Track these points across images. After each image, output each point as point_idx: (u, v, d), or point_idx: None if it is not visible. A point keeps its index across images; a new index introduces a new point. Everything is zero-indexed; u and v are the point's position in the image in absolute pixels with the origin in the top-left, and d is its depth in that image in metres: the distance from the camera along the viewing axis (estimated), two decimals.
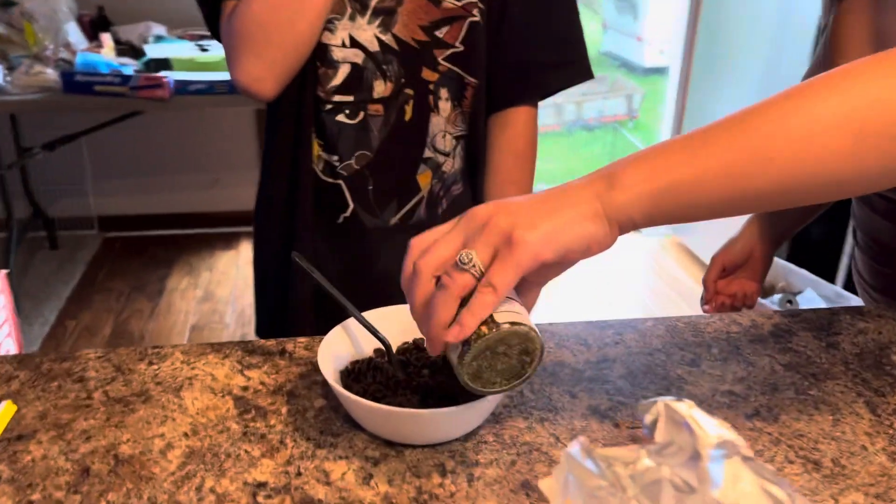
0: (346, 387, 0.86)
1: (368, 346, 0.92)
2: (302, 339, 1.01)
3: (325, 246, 1.26)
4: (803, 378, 0.95)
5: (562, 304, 3.40)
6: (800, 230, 1.69)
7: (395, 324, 0.93)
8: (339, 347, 0.89)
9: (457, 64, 1.21)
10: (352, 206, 1.24)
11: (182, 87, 3.02)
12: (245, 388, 0.91)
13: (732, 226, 3.51)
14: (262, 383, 0.92)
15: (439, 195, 1.28)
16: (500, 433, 0.84)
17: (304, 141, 1.21)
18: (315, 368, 0.95)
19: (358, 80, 1.18)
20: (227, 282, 3.79)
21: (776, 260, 2.93)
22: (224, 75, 3.00)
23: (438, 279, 0.69)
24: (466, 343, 0.69)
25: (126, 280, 3.74)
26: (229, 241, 4.24)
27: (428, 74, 1.20)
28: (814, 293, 2.70)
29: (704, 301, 1.63)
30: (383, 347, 0.90)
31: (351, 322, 0.91)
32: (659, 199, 0.66)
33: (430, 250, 0.70)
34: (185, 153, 4.18)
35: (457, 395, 0.83)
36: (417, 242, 0.72)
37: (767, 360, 0.99)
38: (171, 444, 0.82)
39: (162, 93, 2.95)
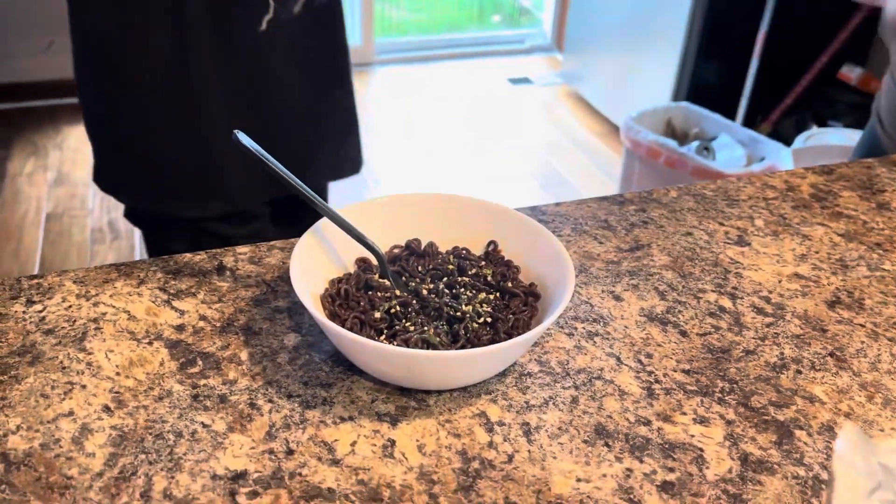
0: (332, 317, 0.62)
1: (346, 256, 0.67)
2: (243, 250, 0.74)
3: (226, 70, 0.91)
4: (869, 250, 0.79)
5: (458, 164, 3.19)
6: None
7: (374, 223, 0.68)
8: (308, 262, 0.64)
9: None
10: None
11: None
12: (180, 328, 0.65)
13: (624, 77, 3.34)
14: (204, 317, 0.66)
15: None
16: (544, 359, 0.64)
17: None
18: (271, 289, 0.69)
19: None
20: (83, 160, 3.31)
21: (688, 106, 2.80)
22: None
23: None
24: None
25: None
26: (75, 114, 3.69)
27: None
28: (729, 138, 2.61)
29: None
30: (372, 256, 0.66)
31: (321, 227, 0.65)
32: None
33: None
34: (12, 12, 3.52)
35: (485, 310, 0.61)
36: None
37: (822, 231, 0.82)
38: (87, 428, 0.56)
39: None
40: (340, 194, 2.92)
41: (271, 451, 0.54)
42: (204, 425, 0.56)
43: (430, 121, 3.50)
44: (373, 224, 0.67)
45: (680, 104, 2.75)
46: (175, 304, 0.67)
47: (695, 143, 2.51)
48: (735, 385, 0.62)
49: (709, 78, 3.03)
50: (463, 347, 0.59)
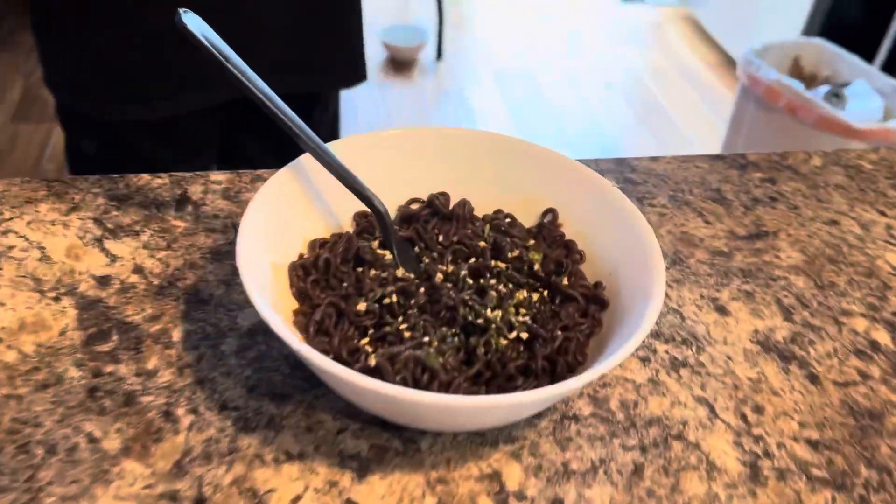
0: (301, 297, 0.43)
1: (341, 208, 0.48)
2: (218, 177, 0.56)
3: None
4: None
5: (552, 85, 2.91)
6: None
7: (386, 165, 0.48)
8: (279, 211, 0.44)
9: None
10: None
11: None
12: (104, 281, 0.47)
13: (750, 3, 2.96)
14: (140, 269, 0.48)
15: None
16: (601, 396, 0.43)
17: None
18: None
19: None
20: None
21: (821, 43, 2.43)
22: None
23: None
24: None
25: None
26: None
27: None
28: (866, 85, 2.26)
29: None
30: (370, 212, 0.46)
31: (305, 164, 0.45)
32: None
33: None
34: None
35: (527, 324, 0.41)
36: None
37: None
38: None
39: None
40: (408, 114, 2.70)
41: (174, 497, 0.37)
42: (91, 439, 0.39)
43: (531, 37, 3.21)
44: (383, 167, 0.47)
45: (812, 40, 2.39)
46: (108, 244, 0.50)
47: (824, 88, 2.17)
48: (890, 477, 0.41)
49: (849, 12, 2.64)
50: (478, 377, 0.39)
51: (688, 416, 0.43)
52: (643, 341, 0.46)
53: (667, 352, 0.46)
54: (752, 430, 0.42)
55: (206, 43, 0.39)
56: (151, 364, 0.43)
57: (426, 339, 0.39)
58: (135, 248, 0.49)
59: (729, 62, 3.08)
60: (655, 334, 0.47)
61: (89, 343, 0.43)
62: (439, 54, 2.86)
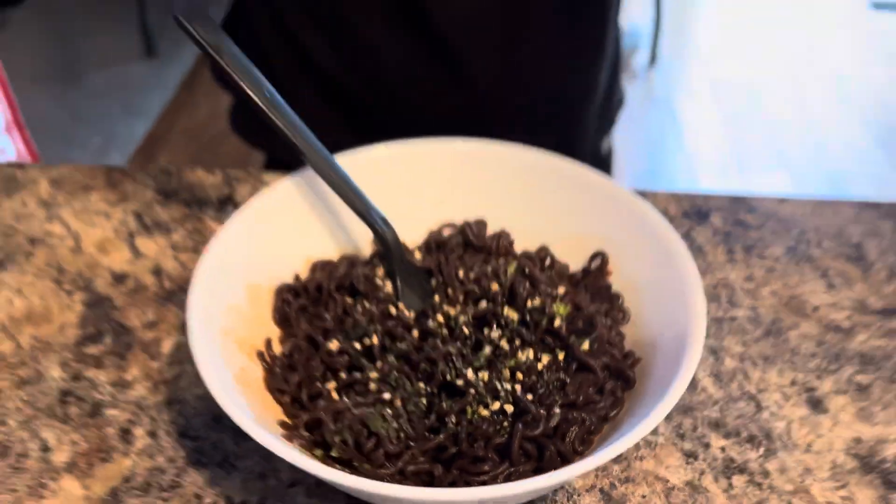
0: (283, 323, 0.38)
1: (360, 229, 0.42)
2: (271, 178, 0.52)
3: None
4: None
5: (777, 99, 2.64)
6: None
7: (421, 182, 0.42)
8: (272, 227, 0.40)
9: None
10: None
11: None
12: (121, 279, 0.45)
13: None
14: (158, 271, 0.46)
15: None
16: (617, 496, 0.35)
17: None
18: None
19: None
20: None
21: None
22: None
23: None
24: None
25: None
26: None
27: None
28: None
29: None
30: (380, 243, 0.40)
31: (308, 178, 0.41)
32: None
33: None
34: None
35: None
36: None
37: None
38: None
39: None
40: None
41: None
42: (44, 448, 0.37)
43: (758, 46, 2.94)
44: (414, 182, 0.42)
45: None
46: (139, 240, 0.48)
47: None
48: None
49: None
50: (441, 451, 0.32)
51: None
52: (696, 424, 0.37)
53: (723, 449, 0.36)
54: None
55: (194, 33, 0.36)
56: (131, 374, 0.40)
57: (386, 395, 0.33)
58: (163, 246, 0.47)
59: None
60: (714, 424, 0.37)
61: (81, 343, 0.42)
62: (653, 59, 2.71)
